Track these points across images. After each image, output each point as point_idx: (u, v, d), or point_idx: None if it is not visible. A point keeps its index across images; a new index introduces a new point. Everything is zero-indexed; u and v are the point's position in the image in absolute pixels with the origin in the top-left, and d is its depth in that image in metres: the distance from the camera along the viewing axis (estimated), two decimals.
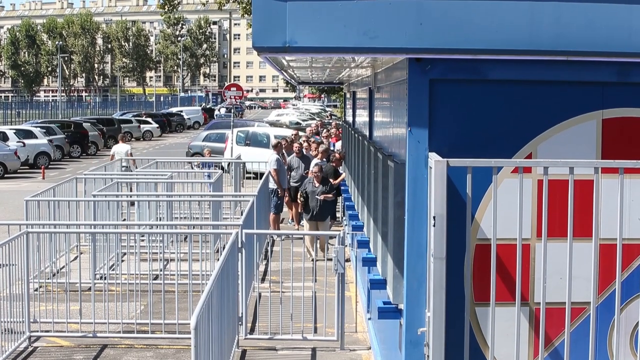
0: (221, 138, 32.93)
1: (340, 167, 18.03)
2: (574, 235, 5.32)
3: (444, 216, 5.19)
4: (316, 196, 15.08)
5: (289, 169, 18.33)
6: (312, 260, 12.50)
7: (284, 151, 19.13)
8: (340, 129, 23.85)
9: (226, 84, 40.97)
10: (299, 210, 17.08)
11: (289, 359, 10.06)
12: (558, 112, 5.80)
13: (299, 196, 15.58)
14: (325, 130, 24.92)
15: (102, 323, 10.71)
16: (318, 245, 13.58)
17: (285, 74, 13.10)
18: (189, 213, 16.92)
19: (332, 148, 20.48)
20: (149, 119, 62.93)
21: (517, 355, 5.41)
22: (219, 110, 78.51)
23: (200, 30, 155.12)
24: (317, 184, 15.34)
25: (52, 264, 13.35)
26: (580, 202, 5.50)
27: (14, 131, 37.38)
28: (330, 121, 42.56)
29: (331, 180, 16.79)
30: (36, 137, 37.00)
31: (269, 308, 11.00)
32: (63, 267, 13.38)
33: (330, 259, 10.96)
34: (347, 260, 12.54)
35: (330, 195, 15.34)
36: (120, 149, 24.67)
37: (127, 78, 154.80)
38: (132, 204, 16.84)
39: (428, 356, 5.38)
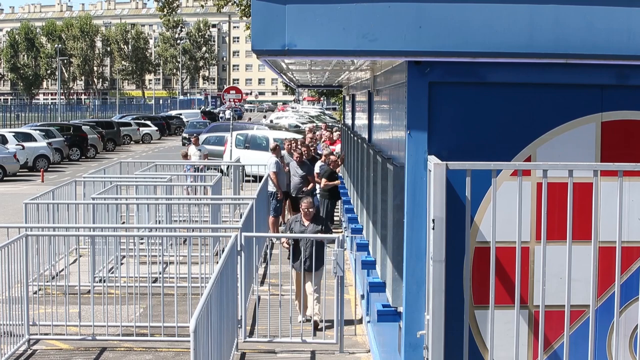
0: (220, 141, 32.88)
1: (339, 171, 18.03)
2: (573, 238, 5.32)
3: (443, 219, 5.19)
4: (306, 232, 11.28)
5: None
6: (300, 321, 11.17)
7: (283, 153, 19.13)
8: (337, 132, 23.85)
9: (225, 87, 40.95)
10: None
11: None
12: (557, 115, 5.80)
13: (286, 241, 11.75)
14: (322, 133, 24.94)
15: (101, 326, 10.71)
16: (308, 303, 11.39)
17: (284, 76, 13.09)
18: (188, 216, 16.93)
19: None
20: (148, 122, 62.96)
21: (517, 358, 5.41)
22: (222, 113, 78.13)
23: (200, 33, 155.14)
24: (306, 223, 11.41)
25: (52, 267, 13.34)
26: (579, 205, 5.51)
27: (13, 134, 37.34)
28: (334, 125, 42.21)
29: (327, 181, 16.77)
30: (35, 140, 36.95)
31: (268, 311, 10.98)
32: (62, 270, 13.36)
33: (325, 322, 10.61)
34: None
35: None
36: (191, 150, 24.87)
37: (127, 81, 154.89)
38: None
39: (427, 359, 5.38)
